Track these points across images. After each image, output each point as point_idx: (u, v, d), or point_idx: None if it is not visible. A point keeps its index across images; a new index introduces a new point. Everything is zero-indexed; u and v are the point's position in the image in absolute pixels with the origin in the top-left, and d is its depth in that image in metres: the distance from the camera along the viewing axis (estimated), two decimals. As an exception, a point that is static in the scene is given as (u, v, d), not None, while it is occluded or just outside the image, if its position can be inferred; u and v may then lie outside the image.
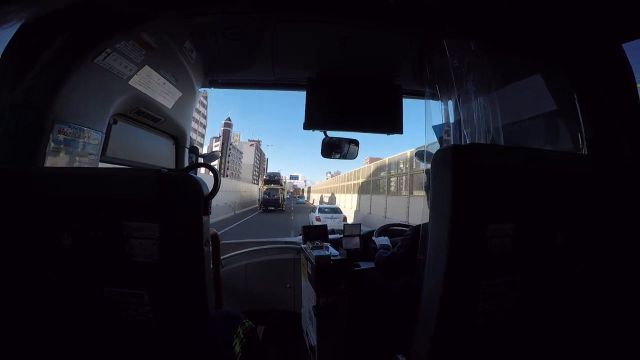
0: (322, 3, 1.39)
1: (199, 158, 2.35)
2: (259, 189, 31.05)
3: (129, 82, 1.40)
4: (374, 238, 1.97)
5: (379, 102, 1.87)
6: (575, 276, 1.19)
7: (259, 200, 28.92)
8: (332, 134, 2.04)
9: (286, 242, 2.24)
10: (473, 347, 1.10)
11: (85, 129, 1.28)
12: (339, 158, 2.20)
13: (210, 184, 0.92)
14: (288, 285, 2.13)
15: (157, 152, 1.88)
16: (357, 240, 2.18)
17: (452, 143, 1.55)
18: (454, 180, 0.97)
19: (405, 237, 1.52)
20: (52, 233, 0.82)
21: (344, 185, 26.51)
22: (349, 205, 22.03)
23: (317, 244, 1.72)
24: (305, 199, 56.37)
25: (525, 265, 1.10)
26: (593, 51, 1.38)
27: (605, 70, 1.38)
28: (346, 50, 1.63)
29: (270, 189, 29.00)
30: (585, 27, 1.31)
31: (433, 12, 1.39)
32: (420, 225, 1.54)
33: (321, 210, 15.95)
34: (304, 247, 1.82)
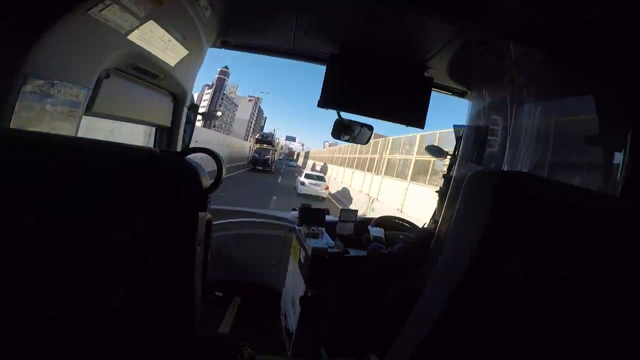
0: None
1: (198, 116, 2.21)
2: (250, 147, 29.76)
3: (128, 37, 1.23)
4: (369, 228, 1.92)
5: (406, 91, 1.75)
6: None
7: (247, 158, 28.00)
8: (345, 115, 1.91)
9: (278, 218, 2.18)
10: None
11: (68, 84, 1.13)
12: (347, 141, 2.09)
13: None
14: (273, 262, 2.12)
15: (152, 108, 1.74)
16: (351, 226, 2.13)
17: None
18: (493, 212, 0.93)
19: (409, 239, 1.48)
20: None
21: (340, 157, 26.15)
22: (339, 179, 21.84)
23: (313, 229, 1.66)
24: (300, 163, 55.59)
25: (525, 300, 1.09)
26: None
27: None
28: (379, 29, 1.47)
29: (261, 148, 28.14)
30: None
31: (498, 9, 1.20)
32: (426, 230, 1.49)
33: (307, 176, 17.12)
34: (299, 230, 1.76)
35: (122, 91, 1.46)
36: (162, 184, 0.65)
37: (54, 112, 1.09)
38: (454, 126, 2.32)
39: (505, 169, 1.29)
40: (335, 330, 1.58)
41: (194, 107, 2.06)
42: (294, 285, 1.72)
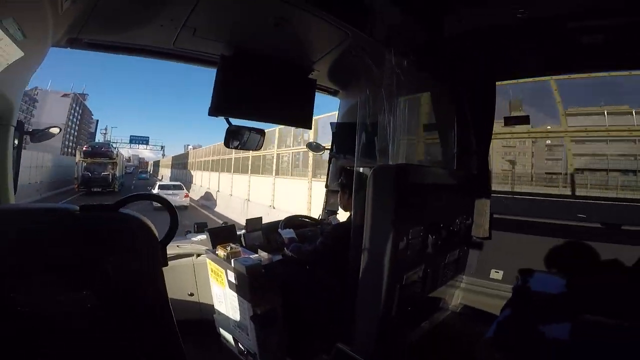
0: None
1: (25, 136, 1.64)
2: (77, 162, 22.20)
3: None
4: (280, 231, 1.97)
5: (294, 93, 1.82)
6: (449, 257, 1.75)
7: (75, 178, 21.57)
8: (236, 121, 1.84)
9: (178, 246, 1.93)
10: (402, 325, 1.50)
11: None
12: (237, 147, 2.03)
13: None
14: (189, 293, 1.88)
15: None
16: (259, 234, 2.11)
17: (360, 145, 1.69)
18: (398, 195, 1.21)
19: (327, 233, 1.61)
20: None
21: (202, 161, 23.95)
22: (206, 185, 20.29)
23: (232, 248, 1.57)
24: (157, 174, 46.24)
25: (426, 256, 1.47)
26: (475, 83, 1.87)
27: (479, 102, 1.90)
28: (276, 33, 1.48)
29: (94, 163, 21.83)
30: (476, 62, 1.74)
31: (379, 21, 1.44)
32: (342, 223, 1.68)
33: (162, 187, 15.97)
34: (215, 252, 1.63)
35: None
36: (99, 246, 0.54)
37: None
38: (331, 123, 2.62)
39: (385, 161, 1.57)
40: (291, 335, 1.60)
41: (20, 126, 1.51)
42: (231, 308, 1.61)
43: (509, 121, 4.06)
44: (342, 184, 1.73)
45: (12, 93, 1.27)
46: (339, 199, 1.80)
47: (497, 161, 6.35)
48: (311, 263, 1.62)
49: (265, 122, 1.95)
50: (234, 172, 15.56)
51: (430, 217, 1.54)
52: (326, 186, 2.57)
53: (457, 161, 1.97)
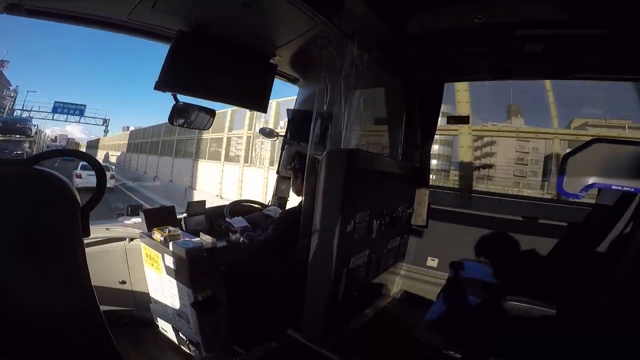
0: None
1: None
2: None
3: None
4: (227, 219, 1.90)
5: (252, 77, 1.80)
6: (391, 244, 1.87)
7: None
8: (183, 99, 1.73)
9: (107, 229, 1.75)
10: (348, 311, 1.57)
11: None
12: (182, 125, 1.92)
13: None
14: (120, 281, 1.72)
15: None
16: (202, 218, 2.02)
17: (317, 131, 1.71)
18: (347, 178, 1.25)
19: (278, 220, 1.61)
20: None
21: (141, 142, 21.90)
22: (142, 169, 18.74)
23: (170, 231, 1.47)
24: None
25: (371, 241, 1.55)
26: (426, 83, 1.99)
27: (427, 99, 2.03)
28: (242, 13, 1.42)
29: (3, 141, 18.65)
30: (432, 64, 1.85)
31: (347, 14, 1.44)
32: (292, 209, 1.67)
33: (84, 167, 14.36)
34: (150, 235, 1.51)
35: None
36: (13, 206, 0.46)
37: None
38: (287, 110, 2.58)
39: (338, 147, 1.62)
40: (237, 323, 1.56)
41: None
42: (170, 295, 1.51)
43: (451, 120, 4.46)
44: (295, 168, 1.73)
45: None
46: (291, 184, 1.80)
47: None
48: (264, 252, 1.60)
49: (218, 101, 1.90)
50: (175, 156, 14.62)
51: (376, 203, 1.62)
52: (277, 172, 2.55)
53: (402, 154, 2.10)
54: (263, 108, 1.93)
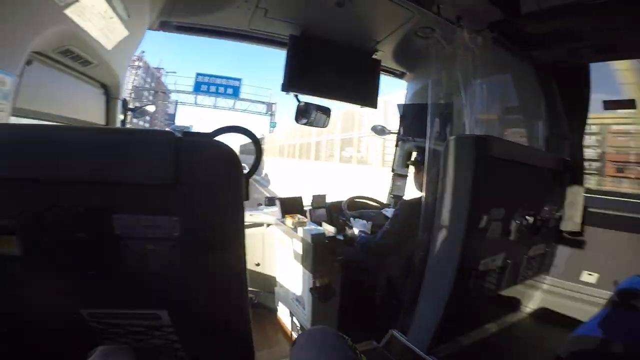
0: None
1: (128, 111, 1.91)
2: None
3: (65, 11, 1.02)
4: (345, 216, 2.00)
5: (359, 73, 1.87)
6: (533, 251, 1.62)
7: None
8: (304, 98, 1.94)
9: (250, 215, 2.09)
10: (467, 320, 1.43)
11: None
12: (306, 124, 2.12)
13: None
14: (257, 263, 2.02)
15: (81, 104, 1.47)
16: (323, 211, 2.19)
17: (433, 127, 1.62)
18: (477, 168, 1.13)
19: (396, 212, 1.60)
20: None
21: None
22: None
23: (299, 218, 1.65)
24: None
25: (508, 244, 1.37)
26: (562, 64, 1.67)
27: (568, 81, 1.69)
28: (340, 12, 1.51)
29: None
30: (566, 42, 1.55)
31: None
32: (411, 201, 1.64)
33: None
34: (283, 222, 1.73)
35: (47, 82, 1.22)
36: (192, 171, 0.58)
37: None
38: (398, 105, 2.56)
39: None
40: (344, 315, 1.62)
41: (124, 102, 1.78)
42: (293, 279, 1.70)
43: (610, 105, 3.49)
44: (417, 162, 1.69)
45: (120, 71, 1.52)
46: (414, 179, 1.76)
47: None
48: (379, 248, 1.62)
49: (332, 99, 2.01)
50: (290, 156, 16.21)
51: (514, 199, 1.40)
52: (392, 170, 2.53)
53: (546, 145, 1.77)
54: (373, 104, 1.96)
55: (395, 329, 1.44)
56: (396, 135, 2.54)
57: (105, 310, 0.63)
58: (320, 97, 1.92)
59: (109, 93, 1.57)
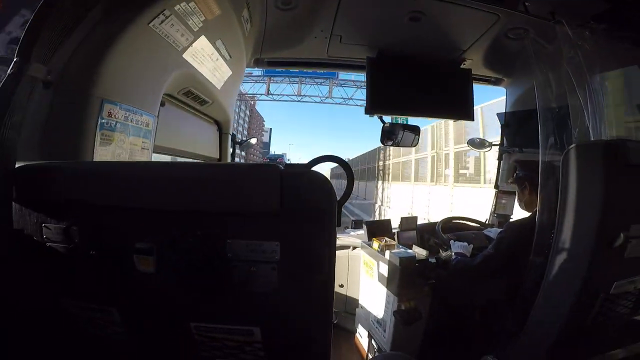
0: None
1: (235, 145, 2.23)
2: None
3: (183, 55, 1.22)
4: (451, 244, 1.85)
5: (448, 86, 1.77)
6: None
7: None
8: (387, 119, 1.95)
9: (337, 238, 2.15)
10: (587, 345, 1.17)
11: (138, 110, 1.10)
12: (392, 145, 2.09)
13: None
14: (341, 284, 2.06)
15: (200, 139, 1.77)
16: (413, 233, 2.08)
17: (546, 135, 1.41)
18: (608, 178, 0.94)
19: (501, 235, 1.42)
20: (119, 254, 0.65)
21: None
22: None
23: (386, 241, 1.62)
24: None
25: None
26: None
27: None
28: (415, 27, 1.49)
29: None
30: None
31: None
32: (521, 222, 1.44)
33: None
34: (369, 244, 1.72)
35: (174, 121, 1.46)
36: (292, 199, 0.62)
37: (131, 144, 1.06)
38: (498, 115, 2.31)
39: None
40: (429, 340, 1.53)
41: (233, 137, 2.09)
42: (375, 302, 1.67)
43: None
44: (519, 178, 1.49)
45: (228, 108, 1.80)
46: (517, 198, 1.56)
47: None
48: (479, 272, 1.46)
49: (421, 116, 1.96)
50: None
51: None
52: (496, 187, 2.27)
53: None
54: (469, 116, 1.82)
55: (492, 354, 1.27)
56: (498, 147, 2.29)
57: (209, 325, 0.70)
58: (408, 115, 1.90)
59: (221, 129, 1.87)
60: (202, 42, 1.26)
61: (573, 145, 1.08)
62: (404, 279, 1.44)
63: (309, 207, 0.64)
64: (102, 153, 0.96)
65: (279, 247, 0.63)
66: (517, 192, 1.56)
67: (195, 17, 1.16)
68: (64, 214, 0.67)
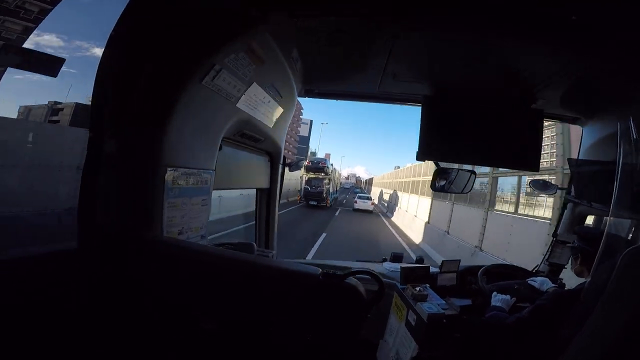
0: (457, 10, 1.06)
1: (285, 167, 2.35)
2: (301, 177, 24.41)
3: (237, 105, 1.29)
4: (492, 297, 1.75)
5: (514, 130, 1.57)
6: None
7: (299, 191, 24.38)
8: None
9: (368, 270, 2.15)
10: None
11: (199, 172, 1.17)
12: (443, 190, 1.99)
13: None
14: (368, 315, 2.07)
15: (253, 171, 1.91)
16: (452, 276, 2.01)
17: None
18: None
19: (543, 301, 1.34)
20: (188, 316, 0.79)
21: (402, 182, 23.35)
22: (412, 211, 17.13)
23: (420, 290, 1.60)
24: (370, 192, 45.48)
25: None
26: None
27: None
28: (480, 65, 1.38)
29: (313, 178, 23.29)
30: None
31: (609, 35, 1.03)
32: (569, 293, 1.33)
33: (360, 197, 26.09)
34: (403, 289, 1.71)
35: (230, 159, 1.57)
36: (326, 301, 0.71)
37: (191, 204, 1.15)
38: (569, 160, 2.11)
39: None
40: None
41: (284, 160, 2.22)
42: (399, 341, 1.66)
43: None
44: (574, 247, 1.38)
45: (280, 141, 1.92)
46: (571, 266, 1.43)
47: None
48: (506, 336, 1.38)
49: (478, 164, 1.85)
50: (416, 194, 16.28)
51: None
52: (554, 235, 2.07)
53: None
54: (535, 164, 1.59)
55: None
56: (564, 194, 2.08)
57: None
58: (463, 163, 1.76)
59: (273, 160, 2.00)
60: (254, 89, 1.33)
61: (636, 247, 0.84)
62: (429, 332, 1.41)
63: (338, 311, 0.80)
64: (170, 216, 1.05)
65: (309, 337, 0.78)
66: (571, 261, 1.45)
67: (245, 67, 1.19)
68: None
